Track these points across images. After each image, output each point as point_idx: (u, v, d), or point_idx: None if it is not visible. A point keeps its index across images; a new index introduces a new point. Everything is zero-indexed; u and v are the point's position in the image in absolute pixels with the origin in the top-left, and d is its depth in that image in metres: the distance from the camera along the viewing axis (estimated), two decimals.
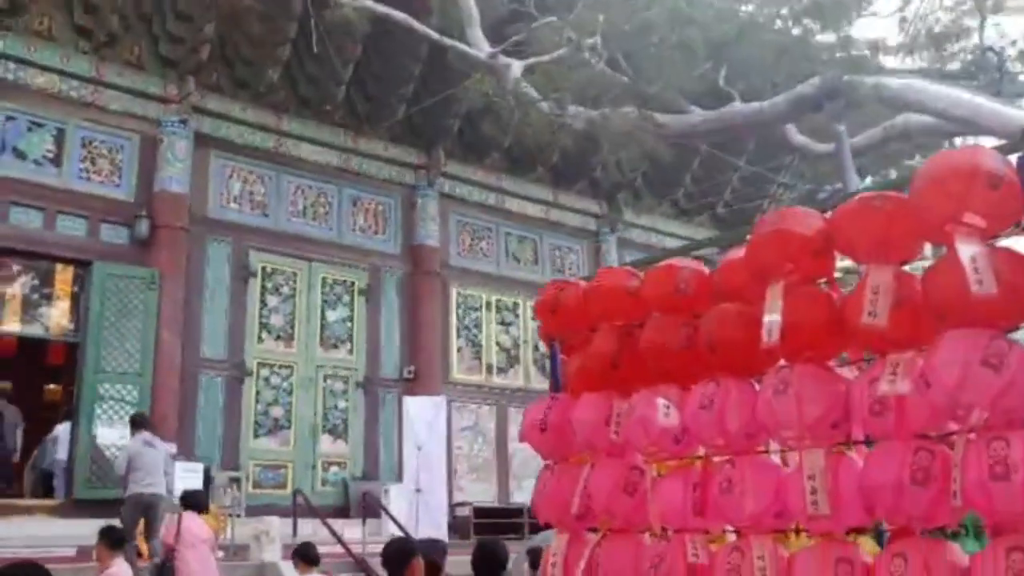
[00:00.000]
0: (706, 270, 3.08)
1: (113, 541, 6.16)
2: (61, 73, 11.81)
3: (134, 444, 9.00)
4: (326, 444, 13.19)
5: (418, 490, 11.30)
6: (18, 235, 11.20)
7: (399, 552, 3.78)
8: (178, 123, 12.51)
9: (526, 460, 14.95)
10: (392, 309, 14.33)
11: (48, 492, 11.72)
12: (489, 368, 15.28)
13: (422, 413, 11.89)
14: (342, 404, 13.48)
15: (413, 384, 13.92)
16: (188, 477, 9.66)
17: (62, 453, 11.44)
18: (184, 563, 7.73)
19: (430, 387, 13.75)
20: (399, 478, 13.43)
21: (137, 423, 9.18)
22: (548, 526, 3.66)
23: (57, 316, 11.81)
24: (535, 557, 5.41)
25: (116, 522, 7.60)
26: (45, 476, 12.13)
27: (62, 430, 11.73)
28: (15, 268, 11.54)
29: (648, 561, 2.90)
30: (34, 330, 11.88)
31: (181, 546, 7.74)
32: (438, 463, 11.61)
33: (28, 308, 11.75)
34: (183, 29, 12.42)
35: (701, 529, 2.84)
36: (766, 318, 2.63)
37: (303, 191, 13.89)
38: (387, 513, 11.24)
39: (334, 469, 13.19)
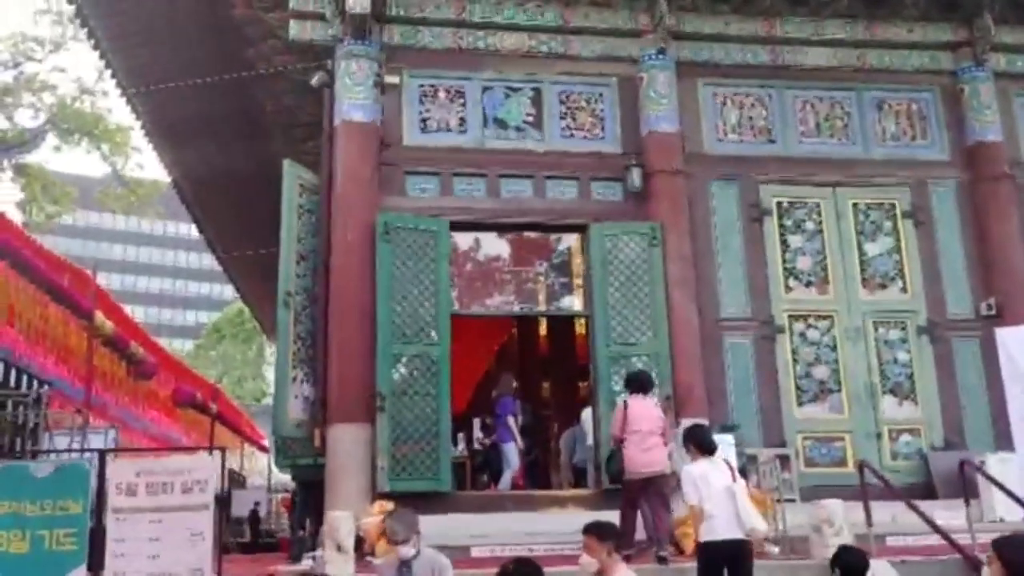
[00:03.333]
0: None
1: (616, 540, 4.53)
2: (528, 29, 10.90)
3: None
4: (890, 408, 10.48)
5: None
6: (511, 208, 10.45)
7: None
8: (656, 55, 10.90)
9: None
10: (951, 230, 11.12)
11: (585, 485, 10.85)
12: None
13: None
14: (902, 356, 10.65)
15: (996, 323, 10.56)
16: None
17: (588, 441, 10.42)
18: (625, 450, 7.75)
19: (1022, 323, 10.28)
20: (995, 444, 10.25)
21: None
22: None
23: (575, 298, 10.98)
24: None
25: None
26: (579, 471, 11.30)
27: (584, 418, 10.76)
28: (537, 263, 10.99)
29: None
30: (553, 310, 11.21)
31: (627, 434, 7.77)
32: None
33: (551, 298, 11.14)
34: None
35: None
36: None
37: (812, 105, 11.39)
38: (1003, 489, 8.26)
39: (905, 438, 10.42)
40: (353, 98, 10.23)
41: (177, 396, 20.70)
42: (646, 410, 7.93)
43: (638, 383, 8.23)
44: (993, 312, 10.67)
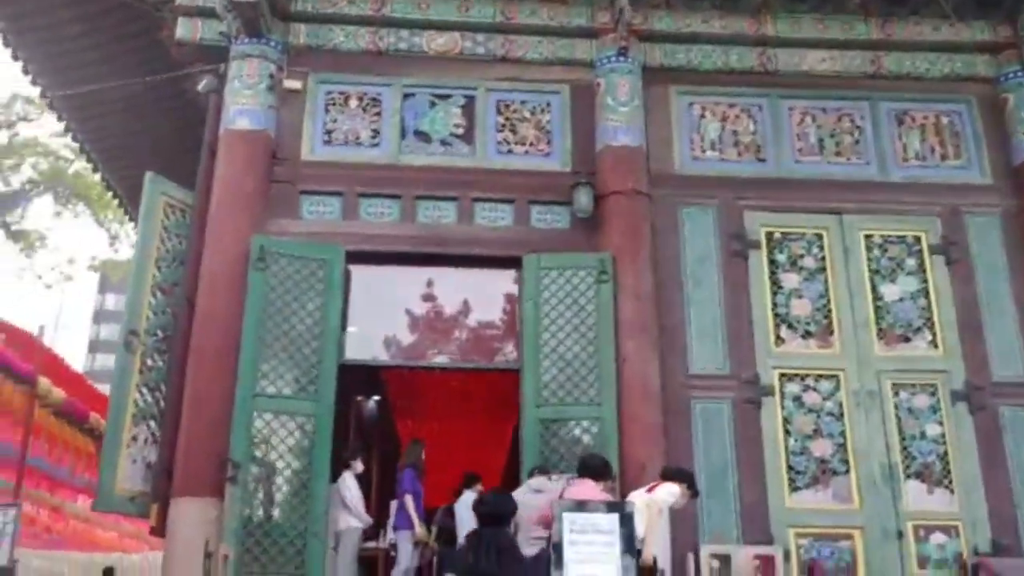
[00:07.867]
0: None
1: None
2: (462, 28, 9.13)
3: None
4: (916, 497, 7.94)
5: None
6: (428, 235, 8.47)
7: None
8: (615, 57, 8.97)
9: None
10: (995, 270, 8.70)
11: None
12: None
13: None
14: (933, 430, 8.17)
15: None
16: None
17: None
18: None
19: None
20: None
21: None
22: None
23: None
24: None
25: None
26: None
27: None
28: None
29: None
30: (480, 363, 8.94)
31: None
32: None
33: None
34: None
35: None
36: None
37: (814, 118, 9.27)
38: None
39: (937, 538, 7.85)
40: (242, 103, 8.51)
41: None
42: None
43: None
44: None
